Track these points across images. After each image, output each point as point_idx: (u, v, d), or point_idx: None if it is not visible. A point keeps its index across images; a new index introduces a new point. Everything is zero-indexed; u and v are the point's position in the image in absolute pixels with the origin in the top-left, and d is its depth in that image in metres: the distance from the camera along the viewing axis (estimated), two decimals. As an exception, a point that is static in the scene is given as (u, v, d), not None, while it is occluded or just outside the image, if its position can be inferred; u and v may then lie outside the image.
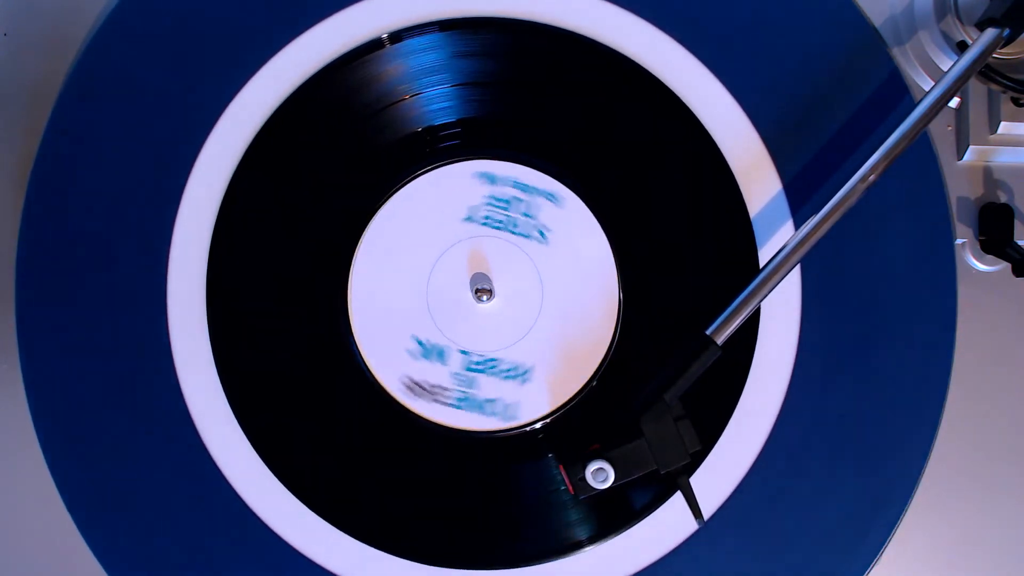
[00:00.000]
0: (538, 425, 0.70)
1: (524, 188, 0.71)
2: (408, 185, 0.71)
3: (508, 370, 0.70)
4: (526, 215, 0.71)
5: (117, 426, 0.69)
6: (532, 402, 0.70)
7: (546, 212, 0.72)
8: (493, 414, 0.70)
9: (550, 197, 0.71)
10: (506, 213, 0.71)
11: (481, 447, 0.70)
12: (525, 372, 0.70)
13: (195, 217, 0.72)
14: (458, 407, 0.70)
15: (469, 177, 0.71)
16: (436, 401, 0.69)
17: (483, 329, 0.71)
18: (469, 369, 0.70)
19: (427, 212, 0.71)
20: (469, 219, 0.71)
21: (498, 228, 0.71)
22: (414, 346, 0.70)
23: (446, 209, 0.71)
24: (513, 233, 0.71)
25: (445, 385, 0.70)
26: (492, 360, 0.70)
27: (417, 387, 0.69)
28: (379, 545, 0.69)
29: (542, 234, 0.71)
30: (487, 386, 0.70)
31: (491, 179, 0.71)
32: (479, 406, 0.70)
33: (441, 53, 0.73)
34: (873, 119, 0.73)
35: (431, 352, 0.70)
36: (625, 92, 0.74)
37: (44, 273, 0.71)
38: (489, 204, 0.71)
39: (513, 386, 0.70)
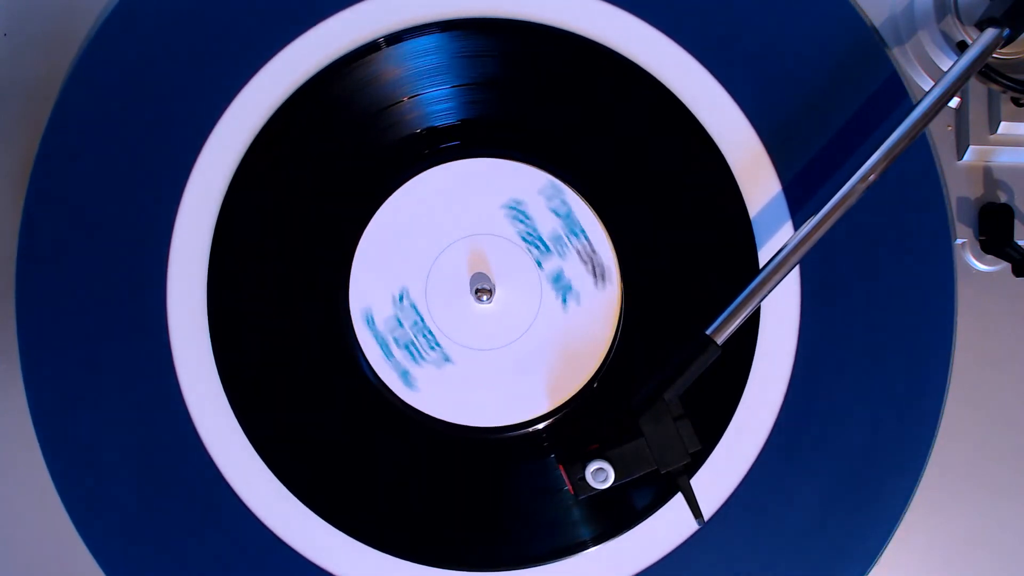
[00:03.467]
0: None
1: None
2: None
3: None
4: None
5: (116, 426, 0.69)
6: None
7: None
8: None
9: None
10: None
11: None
12: None
13: (195, 217, 0.72)
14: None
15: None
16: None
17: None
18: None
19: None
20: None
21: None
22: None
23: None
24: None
25: None
26: None
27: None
28: (379, 545, 0.69)
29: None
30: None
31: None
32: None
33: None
34: (873, 119, 0.73)
35: None
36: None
37: (44, 273, 0.71)
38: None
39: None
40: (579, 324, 0.71)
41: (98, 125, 0.72)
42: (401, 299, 0.71)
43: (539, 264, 0.72)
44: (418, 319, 0.71)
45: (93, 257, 0.71)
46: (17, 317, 0.70)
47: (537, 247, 0.72)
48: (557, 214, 0.72)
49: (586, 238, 0.72)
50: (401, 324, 0.71)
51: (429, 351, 0.71)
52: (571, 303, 0.71)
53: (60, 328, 0.70)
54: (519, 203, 0.72)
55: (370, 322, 0.71)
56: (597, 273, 0.71)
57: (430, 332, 0.71)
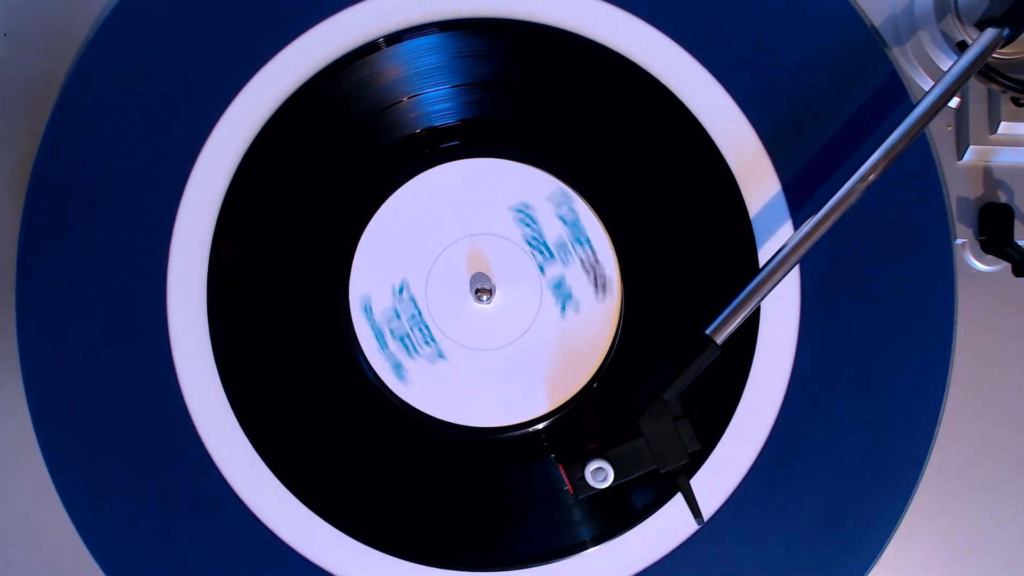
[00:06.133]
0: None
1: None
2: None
3: None
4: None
5: (116, 427, 0.69)
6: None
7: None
8: None
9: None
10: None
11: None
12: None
13: (195, 218, 0.72)
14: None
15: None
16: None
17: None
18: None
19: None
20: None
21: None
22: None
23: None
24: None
25: None
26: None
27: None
28: (379, 545, 0.69)
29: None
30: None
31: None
32: None
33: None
34: (873, 119, 0.73)
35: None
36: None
37: (44, 273, 0.71)
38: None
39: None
40: (576, 331, 0.71)
41: (98, 125, 0.72)
42: (401, 291, 0.71)
43: (541, 269, 0.72)
44: (416, 313, 0.71)
45: (93, 258, 0.71)
46: (17, 318, 0.70)
47: (541, 252, 0.72)
48: (564, 221, 0.72)
49: (591, 247, 0.72)
50: (399, 316, 0.71)
51: (424, 345, 0.71)
52: (570, 312, 0.71)
53: (60, 329, 0.70)
54: (527, 207, 0.72)
55: (368, 311, 0.71)
56: (599, 284, 0.71)
57: (426, 327, 0.71)
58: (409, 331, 0.71)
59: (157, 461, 0.69)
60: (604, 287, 0.71)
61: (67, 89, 0.73)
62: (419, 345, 0.71)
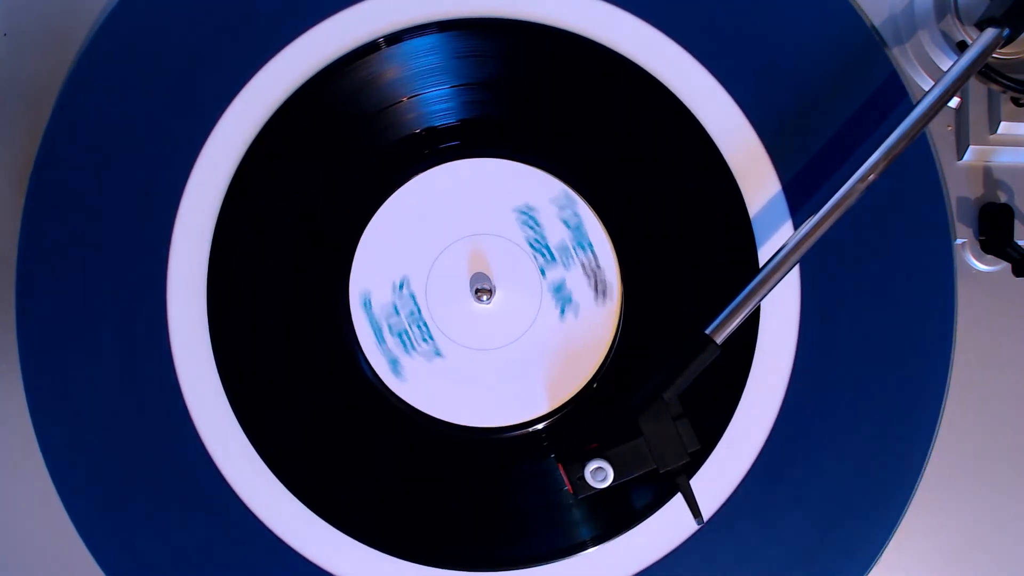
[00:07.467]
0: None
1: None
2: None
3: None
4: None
5: (116, 426, 0.70)
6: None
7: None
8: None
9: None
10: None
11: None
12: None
13: (195, 218, 0.72)
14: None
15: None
16: None
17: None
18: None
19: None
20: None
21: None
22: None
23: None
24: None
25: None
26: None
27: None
28: (379, 545, 0.69)
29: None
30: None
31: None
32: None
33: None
34: (873, 119, 0.73)
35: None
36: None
37: (44, 273, 0.71)
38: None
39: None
40: (575, 332, 0.71)
41: (98, 125, 0.72)
42: (401, 287, 0.71)
43: (542, 272, 0.72)
44: (415, 309, 0.71)
45: (93, 257, 0.71)
46: (17, 317, 0.70)
47: (543, 255, 0.72)
48: (568, 225, 0.72)
49: (593, 252, 0.72)
50: (397, 312, 0.71)
51: (421, 343, 0.71)
52: (568, 315, 0.71)
53: (60, 328, 0.70)
54: (531, 209, 0.72)
55: (367, 305, 0.71)
56: (599, 289, 0.71)
57: (425, 324, 0.71)
58: (407, 327, 0.71)
59: (157, 461, 0.70)
60: (604, 292, 0.71)
61: (67, 89, 0.73)
62: (416, 342, 0.71)
